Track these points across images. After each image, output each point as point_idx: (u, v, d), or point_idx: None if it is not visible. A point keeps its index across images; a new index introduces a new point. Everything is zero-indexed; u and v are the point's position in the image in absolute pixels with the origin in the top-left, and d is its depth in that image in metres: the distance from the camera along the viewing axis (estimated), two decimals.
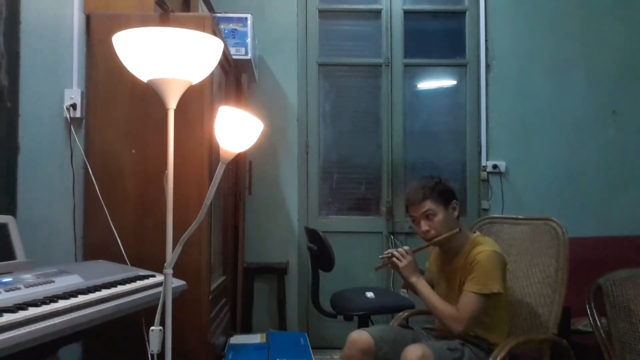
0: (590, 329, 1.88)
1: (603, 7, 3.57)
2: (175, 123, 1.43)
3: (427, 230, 1.92)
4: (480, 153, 3.55)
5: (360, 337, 1.89)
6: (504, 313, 1.94)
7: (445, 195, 1.94)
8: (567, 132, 3.54)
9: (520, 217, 2.28)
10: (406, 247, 1.99)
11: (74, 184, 1.99)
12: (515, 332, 2.06)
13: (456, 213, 1.95)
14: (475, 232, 2.12)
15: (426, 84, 3.76)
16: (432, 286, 1.98)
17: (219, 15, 2.91)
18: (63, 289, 1.31)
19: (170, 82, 1.37)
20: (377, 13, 3.64)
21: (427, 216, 1.91)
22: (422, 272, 2.03)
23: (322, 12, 3.65)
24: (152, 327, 1.44)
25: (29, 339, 1.06)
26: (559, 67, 3.55)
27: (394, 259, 1.96)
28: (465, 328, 1.82)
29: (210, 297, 2.16)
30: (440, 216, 1.91)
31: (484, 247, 1.87)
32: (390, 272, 3.46)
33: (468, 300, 1.81)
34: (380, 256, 2.03)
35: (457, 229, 1.91)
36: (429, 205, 1.91)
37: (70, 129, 1.99)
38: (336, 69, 3.70)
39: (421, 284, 1.93)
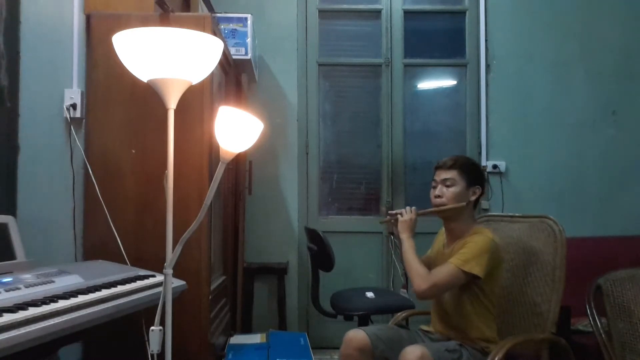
0: (590, 329, 1.88)
1: (603, 7, 3.57)
2: (175, 123, 1.43)
3: (439, 196, 1.96)
4: (480, 153, 3.55)
5: (357, 335, 1.89)
6: (491, 308, 1.93)
7: (473, 174, 1.98)
8: (567, 132, 3.54)
9: (516, 215, 2.28)
10: (413, 207, 2.02)
11: (74, 184, 1.99)
12: (513, 332, 2.06)
13: (474, 197, 1.97)
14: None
15: (426, 84, 3.76)
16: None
17: (219, 15, 2.92)
18: (63, 289, 1.31)
19: (170, 82, 1.37)
20: (377, 13, 3.65)
21: (447, 185, 1.95)
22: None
23: (322, 12, 3.65)
24: (152, 327, 1.44)
25: (29, 339, 1.06)
26: (559, 67, 3.55)
27: (399, 215, 2.00)
28: (428, 289, 1.81)
29: (210, 297, 2.16)
30: (457, 188, 1.94)
31: (484, 233, 1.90)
32: (390, 272, 3.47)
33: (444, 269, 1.83)
34: (389, 212, 2.08)
35: (464, 203, 1.93)
36: (452, 174, 1.95)
37: (70, 129, 1.99)
38: (336, 69, 3.70)
39: (409, 242, 1.94)
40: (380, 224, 2.17)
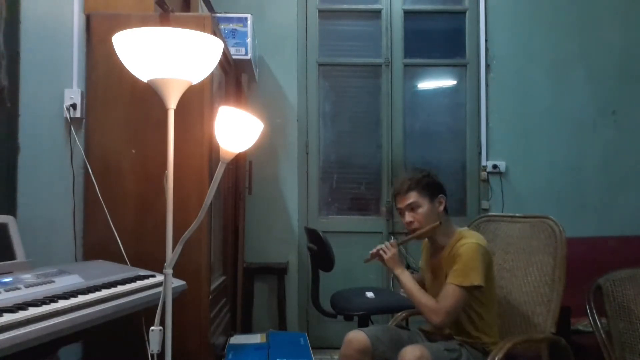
0: (590, 329, 1.88)
1: (603, 7, 3.57)
2: (175, 123, 1.43)
3: (411, 222, 1.95)
4: (480, 153, 3.55)
5: (357, 336, 1.90)
6: (493, 309, 1.94)
7: (431, 188, 1.95)
8: (567, 132, 3.54)
9: (517, 215, 2.28)
10: (392, 241, 2.02)
11: (74, 184, 1.99)
12: (513, 332, 2.06)
13: (442, 207, 1.96)
14: (463, 228, 2.12)
15: (426, 84, 3.76)
16: (423, 285, 1.98)
17: (219, 15, 2.91)
18: (63, 289, 1.31)
19: (170, 82, 1.37)
20: (377, 13, 3.64)
21: (412, 208, 1.94)
22: (408, 267, 2.06)
23: (322, 12, 3.65)
24: (152, 327, 1.44)
25: (29, 339, 1.06)
26: (559, 67, 3.55)
27: (381, 251, 1.98)
28: (443, 320, 1.81)
29: (210, 297, 2.16)
30: (424, 209, 1.93)
31: (468, 240, 1.87)
32: (390, 272, 3.46)
33: (448, 293, 1.81)
34: (370, 252, 2.05)
35: (437, 222, 1.92)
36: (413, 197, 1.93)
37: (70, 129, 1.99)
38: (336, 69, 3.70)
39: (404, 276, 1.93)
40: (365, 263, 2.13)
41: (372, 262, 2.08)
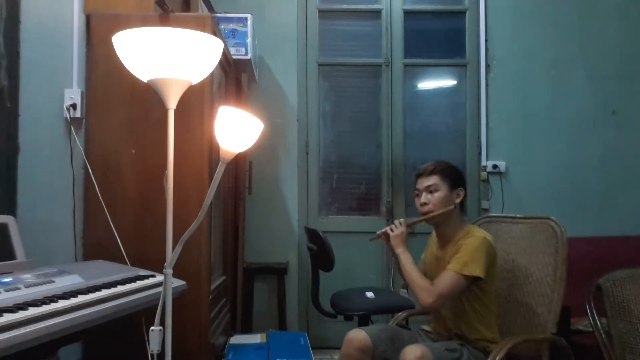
0: (590, 329, 1.88)
1: (603, 7, 3.57)
2: (175, 123, 1.43)
3: (425, 203, 1.95)
4: (480, 153, 3.55)
5: (358, 335, 1.90)
6: (493, 308, 1.94)
7: (454, 178, 1.97)
8: (567, 132, 3.54)
9: (518, 216, 2.28)
10: (402, 219, 2.03)
11: (74, 184, 1.99)
12: (513, 332, 2.06)
13: (459, 199, 1.97)
14: (474, 225, 2.13)
15: (426, 84, 3.76)
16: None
17: (219, 15, 2.92)
18: (63, 289, 1.31)
19: (170, 82, 1.37)
20: (377, 13, 3.65)
21: (430, 191, 1.95)
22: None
23: (322, 12, 3.65)
24: (152, 327, 1.44)
25: (29, 339, 1.06)
26: (559, 67, 3.55)
27: (388, 229, 2.00)
28: (434, 302, 1.81)
29: (210, 297, 2.16)
30: (441, 193, 1.94)
31: (476, 233, 1.89)
32: (390, 272, 3.47)
33: (445, 277, 1.82)
34: (377, 232, 2.06)
35: (452, 206, 1.93)
36: (434, 180, 1.95)
37: (70, 129, 1.99)
38: (336, 69, 3.70)
39: (405, 256, 1.94)
40: (371, 241, 2.17)
41: (378, 241, 2.10)
